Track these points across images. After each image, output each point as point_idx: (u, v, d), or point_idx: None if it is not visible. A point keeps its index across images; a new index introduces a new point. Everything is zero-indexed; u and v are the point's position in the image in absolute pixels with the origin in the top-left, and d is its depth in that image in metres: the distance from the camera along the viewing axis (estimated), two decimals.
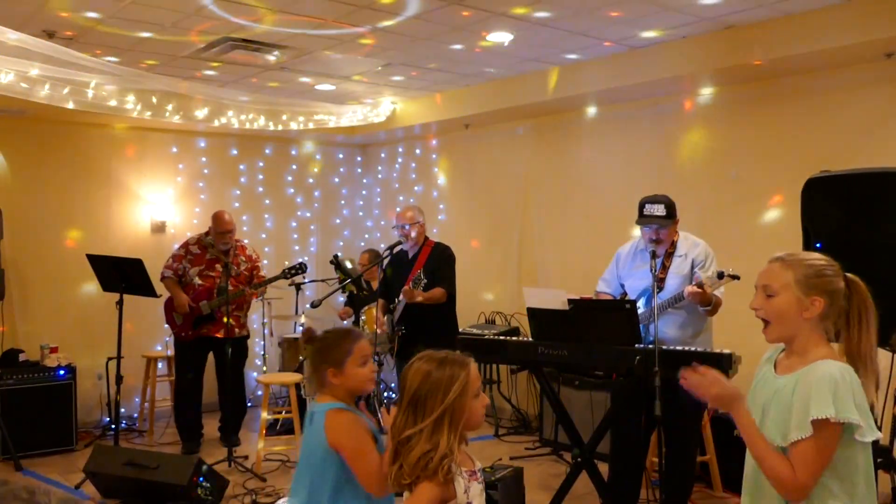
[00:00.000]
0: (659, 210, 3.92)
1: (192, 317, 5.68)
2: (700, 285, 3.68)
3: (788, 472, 1.87)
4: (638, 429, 4.08)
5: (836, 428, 1.84)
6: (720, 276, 3.64)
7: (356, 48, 4.97)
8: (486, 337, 4.91)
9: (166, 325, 5.99)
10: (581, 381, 5.45)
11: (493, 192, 6.79)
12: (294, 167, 7.80)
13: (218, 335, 5.64)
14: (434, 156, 7.42)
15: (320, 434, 2.29)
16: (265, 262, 7.40)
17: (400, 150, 7.81)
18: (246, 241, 6.15)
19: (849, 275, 2.02)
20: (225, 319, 5.42)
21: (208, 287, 5.69)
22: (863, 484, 1.92)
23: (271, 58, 5.15)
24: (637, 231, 4.33)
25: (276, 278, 5.63)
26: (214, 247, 5.73)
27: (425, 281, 4.99)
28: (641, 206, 3.99)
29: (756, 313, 2.05)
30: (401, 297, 4.99)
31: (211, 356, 5.88)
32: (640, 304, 4.00)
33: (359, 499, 2.28)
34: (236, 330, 5.79)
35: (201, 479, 4.42)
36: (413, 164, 7.67)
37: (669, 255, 4.01)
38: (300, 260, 5.67)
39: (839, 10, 4.08)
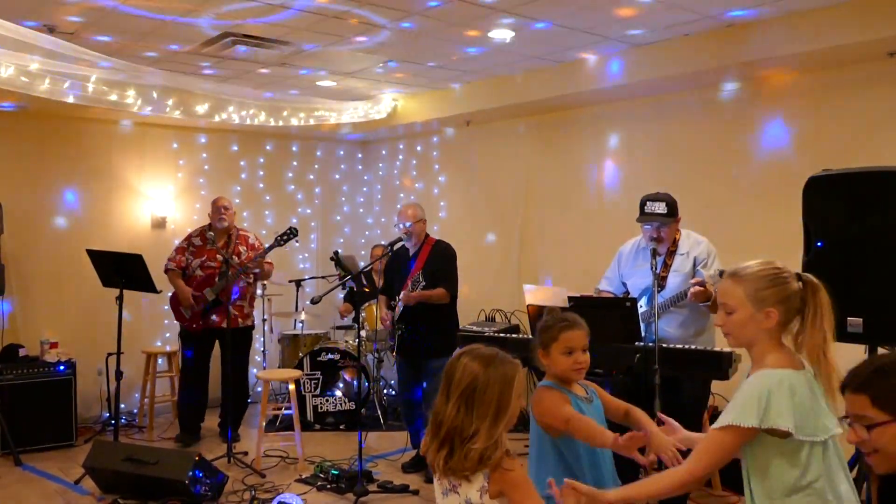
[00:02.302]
0: (660, 208, 3.91)
1: (200, 307, 5.71)
2: (702, 284, 3.67)
3: (679, 476, 2.02)
4: None
5: (736, 434, 1.96)
6: (721, 274, 3.62)
7: (355, 45, 4.96)
8: (486, 334, 4.91)
9: (165, 322, 6.00)
10: None
11: (493, 190, 6.78)
12: (295, 164, 7.79)
13: (223, 325, 5.66)
14: (435, 153, 7.41)
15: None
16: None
17: (401, 146, 7.80)
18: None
19: (805, 275, 2.09)
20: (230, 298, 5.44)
21: (209, 275, 5.72)
22: (840, 475, 2.02)
23: (272, 53, 5.14)
24: (637, 227, 4.33)
25: (270, 248, 5.62)
26: (215, 241, 5.74)
27: (423, 283, 4.98)
28: (642, 204, 3.98)
29: (721, 329, 2.16)
30: (401, 295, 4.99)
31: (216, 348, 5.90)
32: (643, 302, 4.00)
33: (557, 468, 2.46)
34: (240, 320, 5.81)
35: (200, 474, 4.42)
36: (414, 161, 7.66)
37: (671, 253, 4.00)
38: (291, 227, 5.59)
39: (841, 9, 4.07)
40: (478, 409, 1.95)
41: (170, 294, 5.86)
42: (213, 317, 5.72)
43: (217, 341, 5.85)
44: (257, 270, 5.77)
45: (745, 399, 1.98)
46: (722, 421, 1.99)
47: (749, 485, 2.08)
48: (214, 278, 5.69)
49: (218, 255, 5.68)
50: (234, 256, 5.72)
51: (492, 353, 2.04)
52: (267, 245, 5.69)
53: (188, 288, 5.69)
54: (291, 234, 5.53)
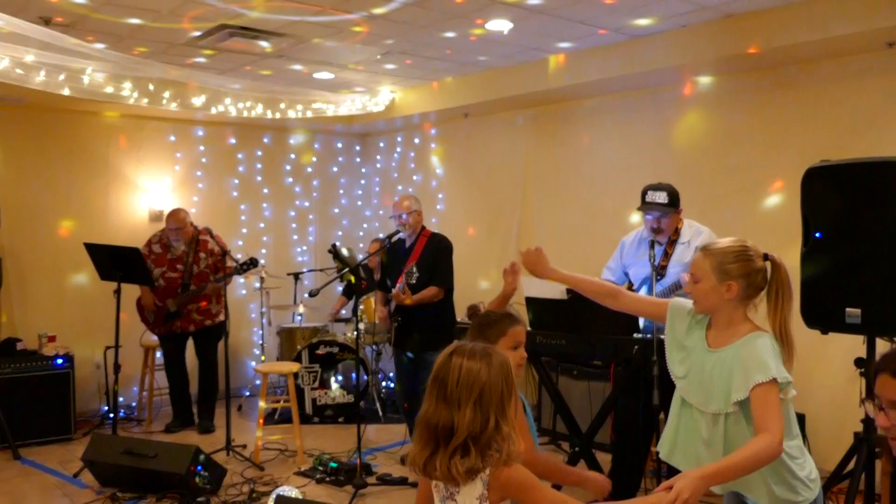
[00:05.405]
0: (661, 197, 3.88)
1: (162, 314, 5.84)
2: None
3: (763, 442, 2.00)
4: (636, 418, 4.08)
5: (775, 387, 2.09)
6: None
7: (353, 36, 4.94)
8: None
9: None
10: (579, 370, 5.45)
11: (491, 182, 6.76)
12: (292, 156, 7.77)
13: (189, 329, 5.90)
14: (433, 145, 7.39)
15: None
16: (263, 251, 7.39)
17: (398, 139, 7.78)
18: (210, 234, 5.90)
19: (770, 255, 2.26)
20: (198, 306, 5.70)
21: (170, 287, 5.82)
22: (795, 430, 2.24)
23: (268, 45, 5.11)
24: (636, 218, 4.32)
25: (229, 275, 5.61)
26: (174, 246, 5.84)
27: (417, 274, 4.97)
28: (644, 193, 3.94)
29: (690, 296, 2.36)
30: (393, 292, 4.96)
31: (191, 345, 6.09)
32: (643, 291, 4.02)
33: None
34: (207, 322, 5.92)
35: (199, 467, 4.42)
36: (412, 154, 7.64)
37: (672, 242, 3.99)
38: (253, 258, 5.60)
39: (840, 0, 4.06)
40: (491, 407, 1.85)
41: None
42: (178, 322, 5.88)
43: (189, 338, 6.03)
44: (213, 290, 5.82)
45: (763, 356, 2.11)
46: (757, 378, 2.07)
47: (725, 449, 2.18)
48: (176, 290, 5.80)
49: (178, 265, 5.82)
50: (194, 266, 5.84)
51: (483, 348, 1.94)
52: (234, 264, 5.60)
53: (151, 295, 5.83)
54: (252, 264, 5.56)
